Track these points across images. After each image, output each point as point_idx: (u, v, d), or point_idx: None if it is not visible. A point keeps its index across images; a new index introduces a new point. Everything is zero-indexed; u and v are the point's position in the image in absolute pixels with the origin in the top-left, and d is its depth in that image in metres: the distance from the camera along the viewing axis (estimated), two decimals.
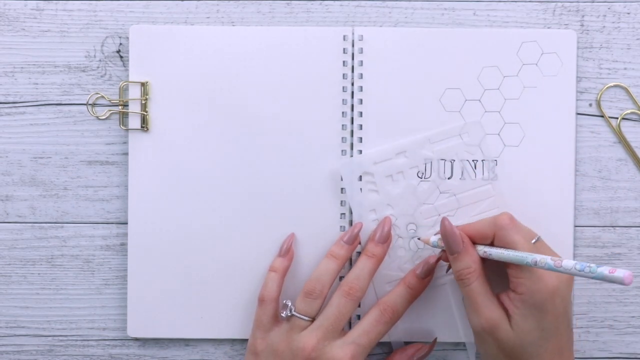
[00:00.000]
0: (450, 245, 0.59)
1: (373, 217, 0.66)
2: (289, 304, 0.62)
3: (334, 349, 0.60)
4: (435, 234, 0.63)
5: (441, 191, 0.66)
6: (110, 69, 0.68)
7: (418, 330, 0.66)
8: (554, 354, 0.57)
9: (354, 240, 0.64)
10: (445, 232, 0.59)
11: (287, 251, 0.65)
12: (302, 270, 0.66)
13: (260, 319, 0.63)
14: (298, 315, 0.62)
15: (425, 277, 0.63)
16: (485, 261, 0.60)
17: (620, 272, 0.49)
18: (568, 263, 0.52)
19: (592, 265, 0.50)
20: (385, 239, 0.64)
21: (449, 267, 0.64)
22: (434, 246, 0.63)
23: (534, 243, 0.58)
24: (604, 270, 0.49)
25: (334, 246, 0.64)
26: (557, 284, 0.57)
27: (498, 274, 0.61)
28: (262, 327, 0.63)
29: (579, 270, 0.51)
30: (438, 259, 0.64)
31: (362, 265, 0.63)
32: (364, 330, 0.61)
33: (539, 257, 0.54)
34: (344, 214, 0.66)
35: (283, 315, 0.62)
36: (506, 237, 0.58)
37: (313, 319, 0.62)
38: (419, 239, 0.65)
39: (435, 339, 0.65)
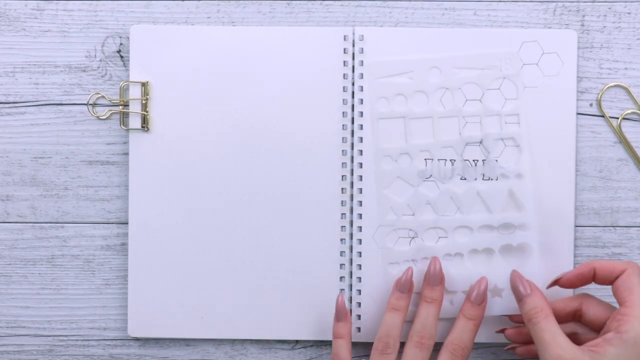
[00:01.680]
0: (517, 289, 0.60)
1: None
2: None
3: None
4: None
5: (442, 191, 0.66)
6: (111, 69, 0.68)
7: None
8: None
9: (408, 287, 0.64)
10: (514, 279, 0.61)
11: (345, 314, 0.64)
12: (302, 270, 0.66)
13: None
14: None
15: (481, 303, 0.63)
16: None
17: None
18: None
19: None
20: (439, 281, 0.63)
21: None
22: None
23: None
24: None
25: (392, 298, 0.63)
26: None
27: None
28: None
29: None
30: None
31: (426, 313, 0.62)
32: None
33: None
34: (345, 214, 0.66)
35: None
36: (633, 277, 0.58)
37: None
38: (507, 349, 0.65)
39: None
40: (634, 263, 0.58)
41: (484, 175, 0.66)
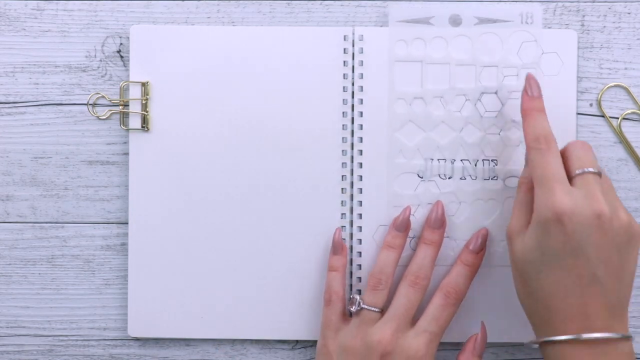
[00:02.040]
0: (530, 87, 0.61)
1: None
2: (357, 297, 0.63)
3: (409, 339, 0.61)
4: None
5: (442, 191, 0.66)
6: (111, 69, 0.68)
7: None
8: (558, 285, 0.54)
9: (405, 226, 0.64)
10: (529, 76, 0.61)
11: (342, 248, 0.65)
12: (302, 270, 0.66)
13: (329, 318, 0.63)
14: (368, 307, 0.62)
15: (480, 251, 0.64)
16: None
17: None
18: None
19: None
20: (441, 224, 0.64)
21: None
22: None
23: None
24: None
25: (388, 236, 0.64)
26: (571, 211, 0.54)
27: None
28: (332, 326, 0.63)
29: None
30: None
31: (423, 254, 0.63)
32: (433, 317, 0.61)
33: None
34: (345, 214, 0.66)
35: (352, 309, 0.63)
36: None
37: (381, 311, 0.62)
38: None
39: (482, 323, 0.64)
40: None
41: (483, 175, 0.66)
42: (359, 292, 0.66)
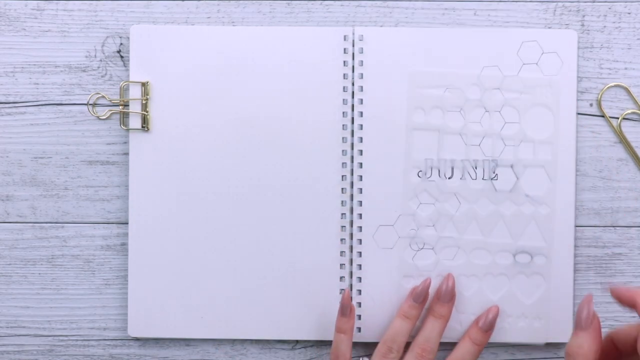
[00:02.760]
0: (580, 320, 0.55)
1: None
2: None
3: None
4: None
5: (442, 191, 0.66)
6: (111, 69, 0.68)
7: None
8: None
9: (423, 298, 0.64)
10: (583, 305, 0.55)
11: (351, 310, 0.64)
12: (302, 270, 0.66)
13: None
14: None
15: (487, 331, 0.64)
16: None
17: None
18: None
19: None
20: (451, 298, 0.64)
21: None
22: None
23: None
24: None
25: (405, 305, 0.64)
26: None
27: None
28: None
29: None
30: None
31: (431, 328, 0.63)
32: None
33: None
34: (345, 214, 0.66)
35: None
36: None
37: None
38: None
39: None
40: None
41: (483, 175, 0.66)
42: (369, 355, 0.66)
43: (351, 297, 0.65)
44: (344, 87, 0.66)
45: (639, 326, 0.53)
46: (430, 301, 0.65)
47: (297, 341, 0.68)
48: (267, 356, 0.68)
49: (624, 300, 0.54)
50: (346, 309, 0.64)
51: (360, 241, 0.66)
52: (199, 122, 0.66)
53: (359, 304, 0.66)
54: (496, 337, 0.66)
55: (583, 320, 0.54)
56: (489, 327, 0.64)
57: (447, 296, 0.64)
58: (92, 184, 0.68)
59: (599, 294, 0.68)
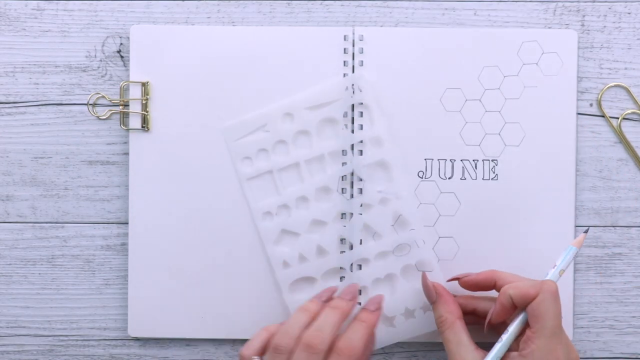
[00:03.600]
0: (427, 296, 0.63)
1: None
2: None
3: None
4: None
5: (442, 191, 0.66)
6: (111, 69, 0.68)
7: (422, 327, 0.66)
8: None
9: (327, 298, 0.63)
10: (423, 284, 0.63)
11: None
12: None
13: None
14: None
15: (375, 311, 0.63)
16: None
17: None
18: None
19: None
20: (352, 296, 0.63)
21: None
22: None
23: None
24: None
25: (307, 302, 0.62)
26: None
27: None
28: None
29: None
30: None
31: (325, 317, 0.59)
32: None
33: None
34: (344, 213, 0.66)
35: None
36: (543, 303, 0.57)
37: None
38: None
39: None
40: (549, 285, 0.57)
41: (484, 175, 0.66)
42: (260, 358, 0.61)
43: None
44: (344, 88, 0.66)
45: (537, 287, 0.57)
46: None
47: None
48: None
49: (482, 283, 0.61)
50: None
51: (360, 241, 0.66)
52: (198, 122, 0.66)
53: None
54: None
55: (430, 296, 0.62)
56: (352, 296, 0.62)
57: (349, 293, 0.63)
58: (92, 184, 0.68)
59: (599, 294, 0.68)
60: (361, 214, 0.65)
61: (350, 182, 0.66)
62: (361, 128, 0.65)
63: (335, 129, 0.66)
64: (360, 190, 0.65)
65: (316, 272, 0.66)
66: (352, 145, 0.65)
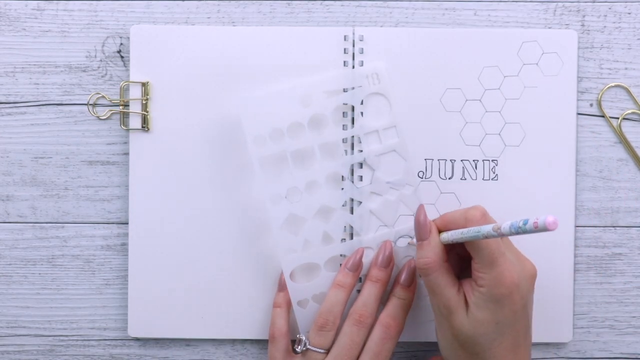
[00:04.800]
0: (418, 232, 0.60)
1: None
2: (304, 338, 0.63)
3: None
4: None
5: (442, 191, 0.66)
6: (111, 69, 0.68)
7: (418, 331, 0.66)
8: (508, 350, 0.57)
9: (357, 266, 0.64)
10: (417, 219, 0.60)
11: (285, 286, 0.65)
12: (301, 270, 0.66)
13: (274, 355, 0.64)
14: (313, 348, 0.62)
15: (387, 267, 0.64)
16: (450, 252, 0.60)
17: (543, 220, 0.48)
18: (505, 226, 0.52)
19: (521, 222, 0.50)
20: (388, 263, 0.64)
21: None
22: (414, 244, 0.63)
23: (501, 238, 0.57)
24: (530, 224, 0.49)
25: (339, 275, 0.64)
26: (517, 281, 0.56)
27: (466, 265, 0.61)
28: None
29: (513, 231, 0.51)
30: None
31: (369, 292, 0.63)
32: (374, 353, 0.62)
33: (485, 229, 0.54)
34: (344, 214, 0.66)
35: (298, 350, 0.63)
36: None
37: (327, 351, 0.62)
38: (409, 243, 0.65)
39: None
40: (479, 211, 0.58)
41: (484, 175, 0.66)
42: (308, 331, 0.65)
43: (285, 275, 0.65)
44: (344, 88, 0.66)
45: (461, 216, 0.58)
46: (368, 268, 0.65)
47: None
48: (266, 356, 0.68)
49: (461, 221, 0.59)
50: (282, 285, 0.65)
51: (360, 242, 0.66)
52: (199, 122, 0.66)
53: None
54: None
55: (421, 232, 0.59)
56: (387, 263, 0.64)
57: (385, 261, 0.64)
58: (92, 184, 0.68)
59: (599, 294, 0.68)
60: (368, 203, 0.65)
61: (361, 171, 0.65)
62: (375, 117, 0.65)
63: (350, 117, 0.65)
64: (370, 180, 0.65)
65: (320, 259, 0.65)
66: (361, 136, 0.65)
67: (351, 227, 0.66)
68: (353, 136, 0.66)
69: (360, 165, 0.66)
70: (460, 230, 0.57)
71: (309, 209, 0.65)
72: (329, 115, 0.65)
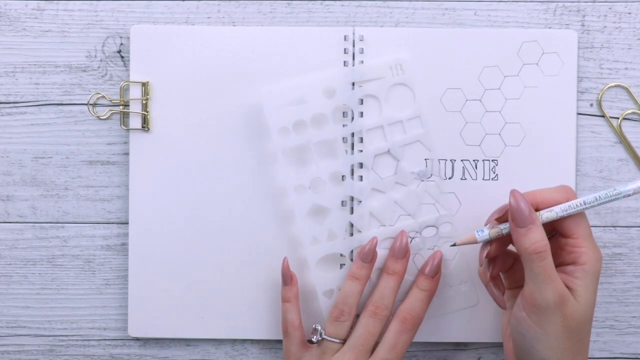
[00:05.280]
0: (521, 218, 0.56)
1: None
2: (319, 328, 0.63)
3: None
4: (486, 226, 0.60)
5: (442, 191, 0.66)
6: (111, 69, 0.68)
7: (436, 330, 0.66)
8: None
9: (371, 257, 0.64)
10: (518, 205, 0.56)
11: (291, 278, 0.65)
12: (301, 272, 0.66)
13: (289, 349, 0.64)
14: (329, 338, 0.62)
15: (435, 275, 0.64)
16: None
17: None
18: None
19: None
20: (404, 254, 0.64)
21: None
22: (482, 241, 0.59)
23: None
24: None
25: (353, 266, 0.64)
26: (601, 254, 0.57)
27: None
28: (292, 356, 0.63)
29: None
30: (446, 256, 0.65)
31: (385, 284, 0.63)
32: (390, 345, 0.62)
33: (624, 188, 0.56)
34: (344, 214, 0.66)
35: (314, 340, 0.63)
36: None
37: (343, 341, 0.62)
38: (453, 245, 0.62)
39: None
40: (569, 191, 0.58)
41: (484, 175, 0.66)
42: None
43: (289, 266, 0.65)
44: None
45: (559, 191, 0.58)
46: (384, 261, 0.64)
47: None
48: (267, 356, 0.68)
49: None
50: (287, 278, 0.64)
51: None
52: (198, 122, 0.66)
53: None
54: (497, 337, 0.66)
55: (526, 218, 0.56)
56: (435, 273, 0.64)
57: (401, 252, 0.64)
58: (93, 184, 0.68)
59: (599, 294, 0.68)
60: (392, 194, 0.65)
61: (384, 162, 0.66)
62: (400, 108, 0.65)
63: (378, 107, 0.66)
64: (395, 170, 0.65)
65: (345, 250, 0.65)
66: (385, 127, 0.66)
67: (374, 218, 0.66)
68: (378, 127, 0.66)
69: (383, 156, 0.65)
70: (582, 199, 0.56)
71: (333, 199, 0.65)
72: (355, 106, 0.65)
